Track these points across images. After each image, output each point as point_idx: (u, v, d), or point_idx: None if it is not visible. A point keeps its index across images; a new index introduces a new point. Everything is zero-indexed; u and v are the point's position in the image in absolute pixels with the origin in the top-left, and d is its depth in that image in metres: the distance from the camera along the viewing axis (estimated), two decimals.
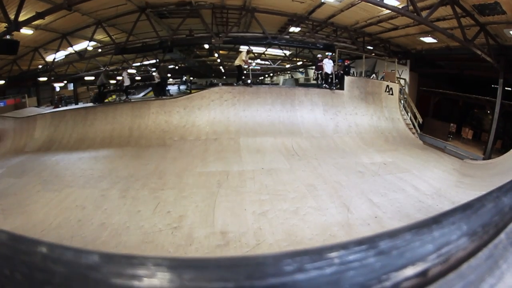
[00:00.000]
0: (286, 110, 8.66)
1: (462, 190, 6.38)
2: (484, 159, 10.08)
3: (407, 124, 11.66)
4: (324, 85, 10.13)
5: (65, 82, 19.59)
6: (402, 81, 12.97)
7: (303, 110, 8.86)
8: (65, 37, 13.11)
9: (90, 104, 13.23)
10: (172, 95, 10.68)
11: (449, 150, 11.07)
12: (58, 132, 10.15)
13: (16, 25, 8.10)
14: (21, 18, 8.19)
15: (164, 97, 10.20)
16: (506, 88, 10.59)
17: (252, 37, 11.42)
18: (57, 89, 20.17)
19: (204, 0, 10.11)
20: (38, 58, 14.18)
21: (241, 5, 10.63)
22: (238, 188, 6.17)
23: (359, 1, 9.26)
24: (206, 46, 13.69)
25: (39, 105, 17.28)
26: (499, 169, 7.40)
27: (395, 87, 11.75)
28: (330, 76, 10.14)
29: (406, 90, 13.04)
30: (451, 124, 13.87)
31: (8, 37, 9.17)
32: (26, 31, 10.58)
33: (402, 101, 12.22)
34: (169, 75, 10.56)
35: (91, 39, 13.76)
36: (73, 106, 15.85)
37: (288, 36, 11.58)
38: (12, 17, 7.99)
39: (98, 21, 12.32)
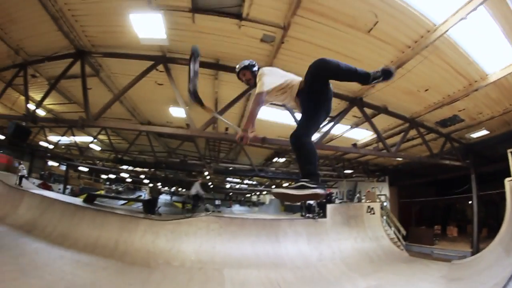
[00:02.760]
0: (271, 241, 8.90)
1: None
2: (472, 253, 10.18)
3: (391, 239, 11.86)
4: (307, 215, 10.64)
5: (59, 163, 19.96)
6: (382, 197, 13.70)
7: (287, 242, 9.10)
8: (70, 129, 13.94)
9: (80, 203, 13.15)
10: (161, 214, 10.95)
11: (437, 254, 11.07)
12: (43, 218, 9.88)
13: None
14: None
15: (153, 215, 10.49)
16: (481, 177, 11.23)
17: (240, 169, 12.39)
18: (49, 163, 20.37)
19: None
20: (41, 134, 14.91)
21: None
22: None
23: (338, 136, 10.51)
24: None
25: (30, 173, 17.08)
26: (486, 263, 7.38)
27: (376, 206, 12.34)
28: (313, 205, 10.76)
29: (388, 205, 13.69)
30: (435, 227, 14.10)
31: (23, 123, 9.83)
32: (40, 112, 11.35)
33: (384, 217, 12.72)
34: (160, 196, 11.21)
35: (95, 137, 14.64)
36: (62, 197, 15.67)
37: (273, 168, 12.62)
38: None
39: (104, 127, 13.32)
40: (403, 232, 12.49)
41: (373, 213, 12.12)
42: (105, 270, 7.87)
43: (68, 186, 19.50)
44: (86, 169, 19.47)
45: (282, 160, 12.87)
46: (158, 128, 9.57)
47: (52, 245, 8.61)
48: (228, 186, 23.62)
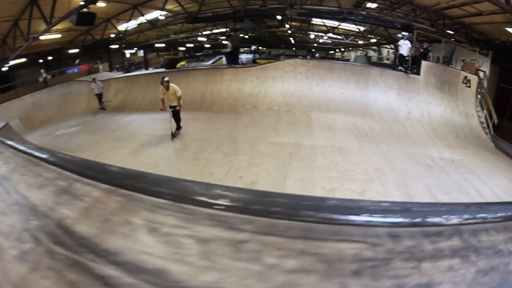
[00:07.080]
0: (359, 89, 8.53)
1: None
2: None
3: (481, 123, 10.85)
4: (399, 67, 9.83)
5: (136, 49, 20.84)
6: (481, 74, 11.96)
7: (377, 92, 8.65)
8: (136, 8, 13.79)
9: (163, 70, 14.04)
10: (244, 63, 11.00)
11: None
12: (131, 95, 10.69)
13: None
14: None
15: (237, 65, 10.52)
16: None
17: (327, 10, 11.14)
18: (128, 55, 21.51)
19: None
20: (111, 27, 15.01)
21: None
22: (309, 162, 6.24)
23: None
24: (279, 17, 13.59)
25: (110, 70, 18.68)
26: None
27: (473, 79, 10.89)
28: (406, 58, 9.77)
29: (485, 84, 12.04)
30: None
31: (85, 10, 9.89)
32: (100, 4, 11.16)
33: (479, 96, 11.35)
34: (241, 44, 10.89)
35: (162, 8, 14.40)
36: (144, 71, 16.85)
37: (364, 12, 11.13)
38: None
39: None
40: (495, 120, 11.01)
41: (469, 86, 10.80)
42: (194, 121, 8.44)
43: (149, 68, 20.55)
44: (162, 45, 20.00)
45: (374, 5, 11.38)
46: None
47: (143, 113, 9.34)
48: (312, 36, 22.29)
